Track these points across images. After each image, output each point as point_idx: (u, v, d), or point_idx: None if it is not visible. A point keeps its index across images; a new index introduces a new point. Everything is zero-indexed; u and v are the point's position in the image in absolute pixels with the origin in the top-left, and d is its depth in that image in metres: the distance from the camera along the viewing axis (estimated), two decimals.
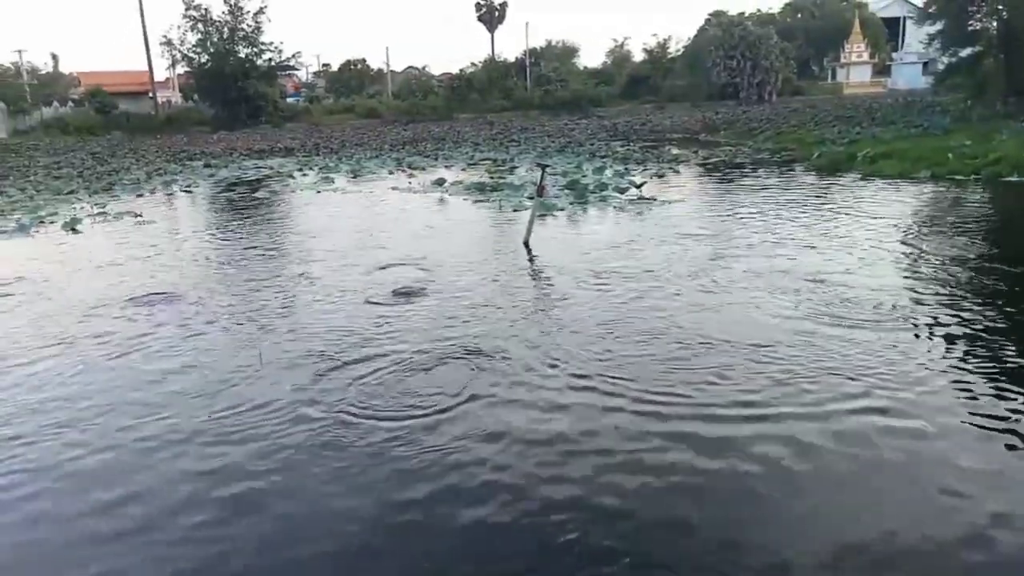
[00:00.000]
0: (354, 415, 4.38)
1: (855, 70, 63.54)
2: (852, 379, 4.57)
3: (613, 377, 4.77)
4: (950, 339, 5.27)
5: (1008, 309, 5.97)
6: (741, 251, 8.44)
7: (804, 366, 4.80)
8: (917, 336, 5.34)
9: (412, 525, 3.33)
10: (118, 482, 3.77)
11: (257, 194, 17.03)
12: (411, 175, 19.21)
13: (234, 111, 52.60)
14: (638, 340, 5.47)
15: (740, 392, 4.47)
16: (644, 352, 5.23)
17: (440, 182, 16.43)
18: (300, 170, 21.88)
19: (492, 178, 17.33)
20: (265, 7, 54.91)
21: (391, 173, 20.24)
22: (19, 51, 72.83)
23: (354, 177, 19.83)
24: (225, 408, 4.58)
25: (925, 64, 55.44)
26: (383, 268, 8.39)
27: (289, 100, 62.93)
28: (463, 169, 20.47)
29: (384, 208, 14.05)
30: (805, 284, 6.78)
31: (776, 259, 7.91)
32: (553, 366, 5.02)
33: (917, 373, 4.64)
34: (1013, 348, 5.07)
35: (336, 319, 6.43)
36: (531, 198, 11.60)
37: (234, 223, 12.88)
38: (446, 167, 21.36)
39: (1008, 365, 4.77)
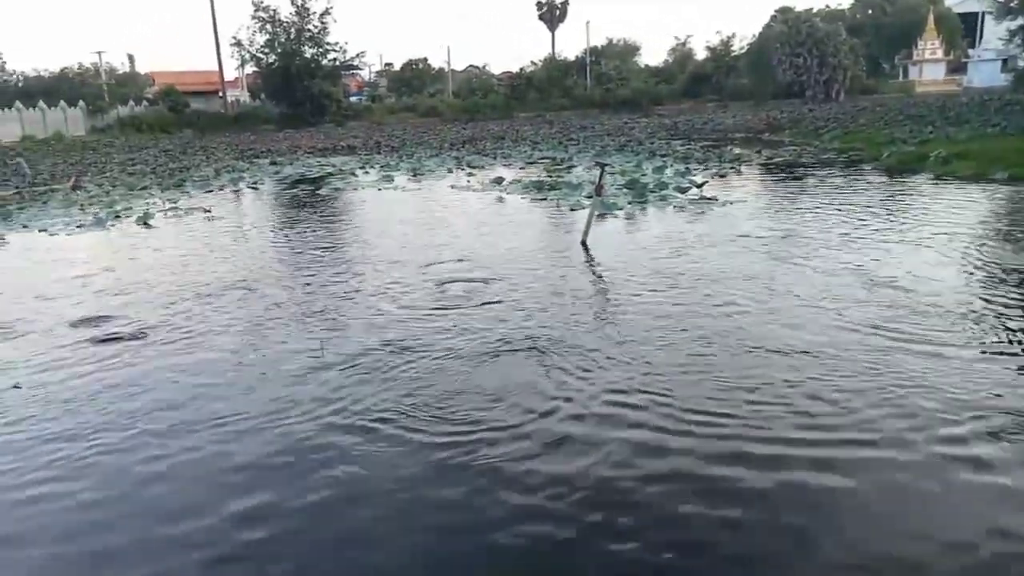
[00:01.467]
0: (407, 415, 4.47)
1: (928, 67, 61.37)
2: (927, 402, 4.33)
3: (660, 390, 4.75)
4: None
5: None
6: (803, 254, 8.26)
7: (870, 381, 4.69)
8: (999, 353, 5.14)
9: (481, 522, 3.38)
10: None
11: (320, 191, 17.41)
12: (470, 174, 19.34)
13: (299, 110, 53.87)
14: (696, 345, 5.41)
15: (807, 412, 4.39)
16: (701, 359, 5.17)
17: (499, 181, 16.52)
18: (362, 168, 22.26)
19: (550, 177, 17.33)
20: (331, 8, 56.39)
21: (450, 171, 20.43)
22: (98, 52, 75.96)
23: (414, 175, 20.08)
24: (284, 399, 4.73)
25: (1004, 61, 53.04)
26: (441, 264, 8.51)
27: (352, 99, 64.13)
28: (521, 168, 20.52)
29: (443, 206, 14.20)
30: (873, 291, 6.61)
31: (841, 263, 7.72)
32: (608, 368, 5.02)
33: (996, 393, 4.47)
34: None
35: (396, 314, 6.55)
36: (589, 197, 11.58)
37: (299, 219, 13.22)
38: (505, 166, 21.44)
39: None
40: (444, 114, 58.83)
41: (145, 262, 9.64)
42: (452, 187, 16.92)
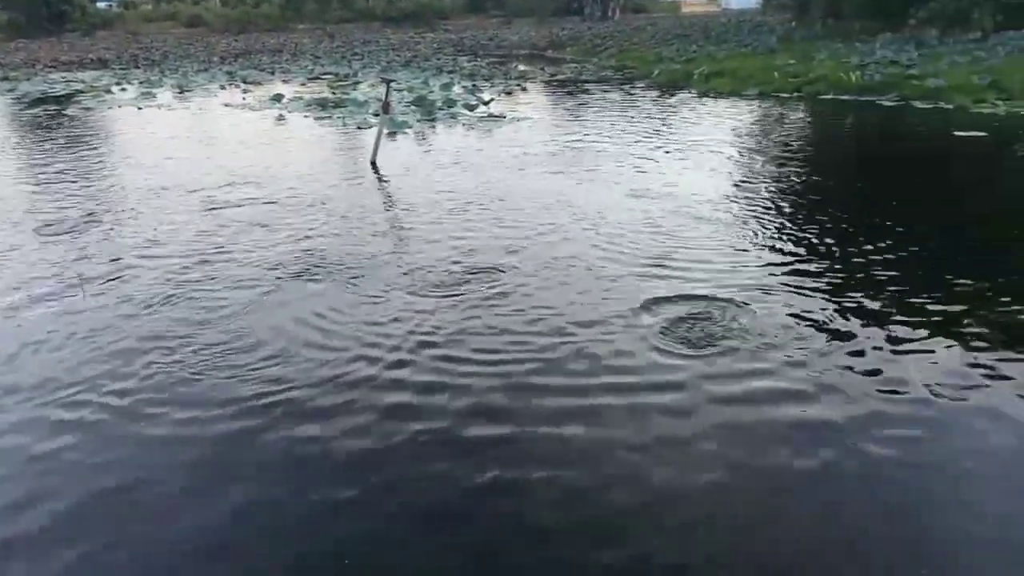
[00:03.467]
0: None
1: None
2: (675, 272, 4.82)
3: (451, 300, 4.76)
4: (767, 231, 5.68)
5: (819, 216, 6.49)
6: (587, 168, 8.60)
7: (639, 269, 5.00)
8: (745, 249, 5.70)
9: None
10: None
11: (68, 112, 15.29)
12: (246, 90, 17.94)
13: (33, 16, 46.49)
14: (485, 263, 5.47)
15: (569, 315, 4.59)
16: (484, 276, 5.24)
17: (278, 98, 15.48)
18: (118, 84, 19.85)
19: (334, 94, 16.56)
20: None
21: (223, 88, 18.83)
22: None
23: (181, 92, 18.25)
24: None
25: None
26: (217, 189, 7.84)
27: (100, 5, 56.40)
28: (303, 84, 19.39)
29: (217, 126, 13.08)
30: (647, 201, 7.03)
31: (619, 176, 8.13)
32: (399, 286, 4.93)
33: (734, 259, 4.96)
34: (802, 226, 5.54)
35: (171, 242, 5.95)
36: (376, 115, 11.19)
37: (43, 145, 11.52)
38: (284, 82, 20.15)
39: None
40: (211, 24, 53.65)
41: None
42: (226, 105, 15.61)
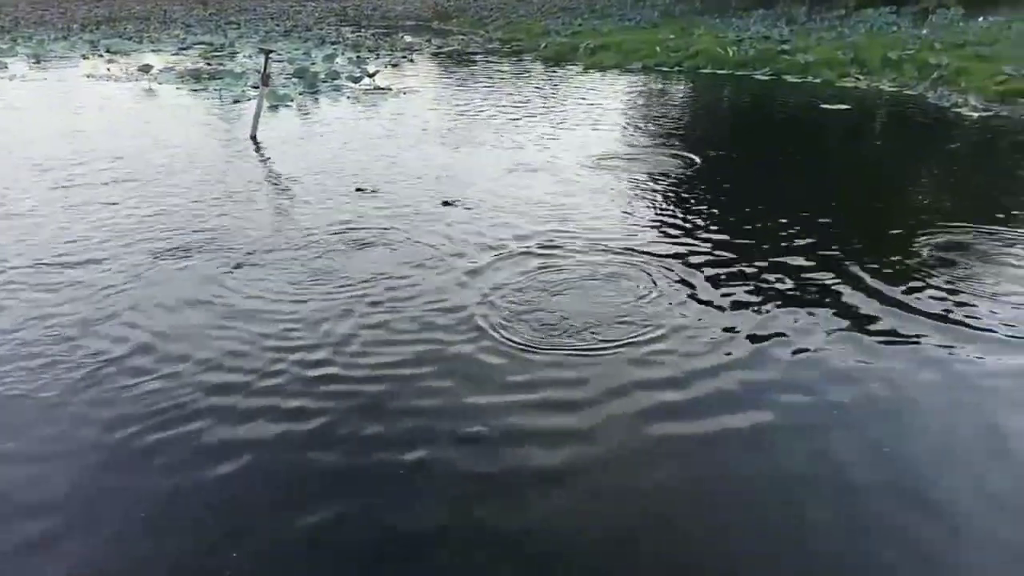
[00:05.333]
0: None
1: None
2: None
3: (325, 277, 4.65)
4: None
5: (700, 185, 6.73)
6: (475, 142, 8.55)
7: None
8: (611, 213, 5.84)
9: None
10: None
11: None
12: (111, 61, 16.74)
13: None
14: (368, 238, 5.35)
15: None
16: (362, 259, 5.14)
17: (146, 69, 14.49)
18: None
19: (209, 65, 15.70)
20: None
21: (85, 58, 17.50)
22: None
23: (37, 62, 16.84)
24: None
25: None
26: (79, 165, 7.29)
27: None
28: (174, 54, 18.28)
29: (80, 98, 12.15)
30: (531, 173, 7.07)
31: (507, 149, 8.13)
32: (279, 264, 4.76)
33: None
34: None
35: (33, 223, 5.49)
36: (256, 87, 10.68)
37: None
38: (153, 52, 18.96)
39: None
40: None
41: None
42: (89, 76, 14.54)
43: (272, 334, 3.84)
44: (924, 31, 16.74)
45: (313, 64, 15.18)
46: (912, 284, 4.39)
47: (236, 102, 11.36)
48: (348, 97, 11.88)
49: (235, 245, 5.13)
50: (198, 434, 3.03)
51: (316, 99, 11.81)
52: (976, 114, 10.21)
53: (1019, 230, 5.34)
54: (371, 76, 13.27)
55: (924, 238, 5.16)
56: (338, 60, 16.21)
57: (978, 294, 4.27)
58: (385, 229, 5.45)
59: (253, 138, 8.67)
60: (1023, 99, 10.31)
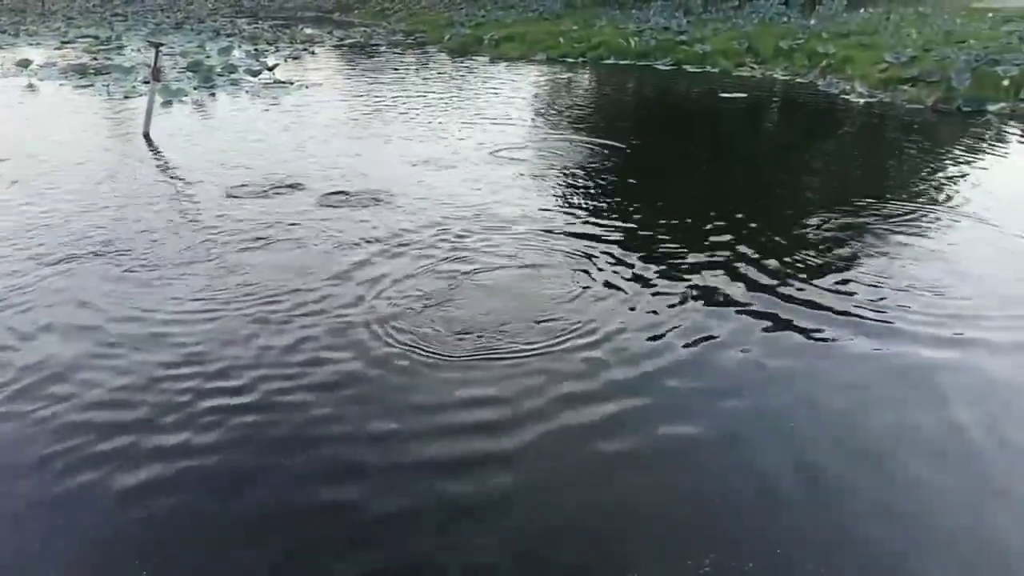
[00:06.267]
0: None
1: None
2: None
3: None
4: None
5: (607, 175, 6.83)
6: (380, 136, 8.41)
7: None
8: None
9: None
10: None
11: None
12: None
13: None
14: (268, 236, 5.18)
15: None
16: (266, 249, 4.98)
17: (25, 64, 13.56)
18: None
19: (95, 59, 14.85)
20: None
21: None
22: None
23: None
24: None
25: None
26: None
27: None
28: (56, 48, 17.20)
29: None
30: (435, 168, 7.01)
31: (413, 143, 8.03)
32: (173, 264, 4.54)
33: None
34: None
35: None
36: (147, 82, 10.16)
37: None
38: (32, 45, 17.79)
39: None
40: None
41: None
42: None
43: (170, 362, 3.44)
44: (812, 21, 17.55)
45: (208, 57, 14.59)
46: (820, 273, 4.58)
47: (127, 98, 10.78)
48: (247, 92, 11.47)
49: (127, 252, 4.83)
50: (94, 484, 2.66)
51: (213, 94, 11.34)
52: (862, 100, 10.79)
53: (907, 204, 5.69)
54: (270, 69, 12.85)
55: (819, 220, 5.41)
56: (235, 53, 15.64)
57: (864, 280, 4.48)
58: (290, 226, 5.28)
59: (146, 135, 8.24)
60: (903, 86, 10.94)
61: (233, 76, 12.66)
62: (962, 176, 6.83)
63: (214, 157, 7.40)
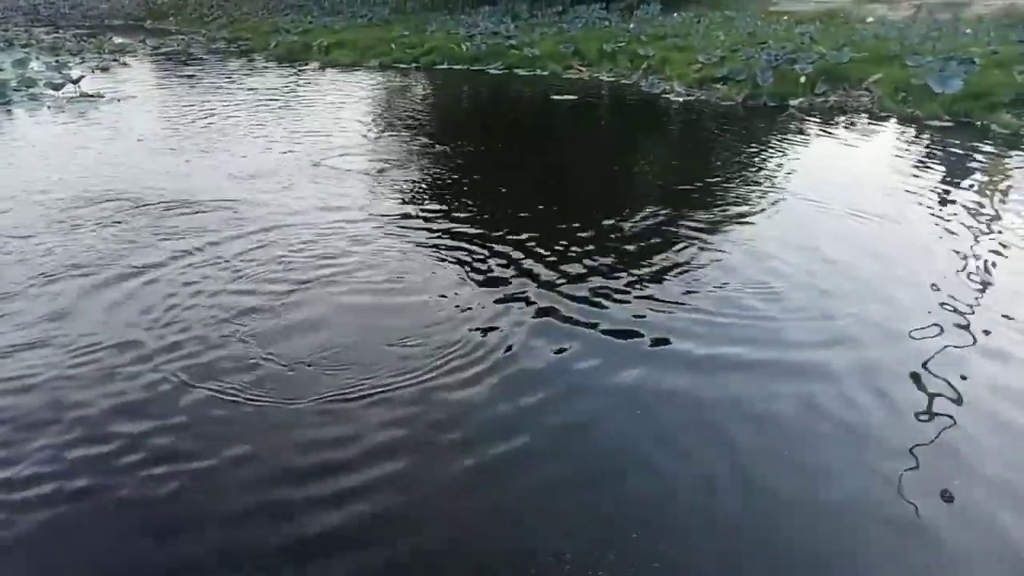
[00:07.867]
0: None
1: None
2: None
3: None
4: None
5: (446, 179, 6.84)
6: (203, 150, 7.93)
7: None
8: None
9: None
10: None
11: None
12: None
13: None
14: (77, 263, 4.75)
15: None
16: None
17: None
18: None
19: None
20: None
21: None
22: None
23: None
24: None
25: None
26: None
27: None
28: None
29: None
30: (262, 181, 6.72)
31: (239, 156, 7.65)
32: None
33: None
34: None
35: None
36: None
37: None
38: None
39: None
40: None
41: None
42: None
43: None
44: (631, 25, 18.45)
45: (1, 71, 13.17)
46: (651, 264, 4.80)
47: None
48: (49, 107, 10.46)
49: None
50: None
51: (8, 111, 10.26)
52: (681, 99, 11.48)
53: (729, 187, 6.14)
54: (75, 82, 11.79)
55: (650, 210, 5.69)
56: (32, 65, 14.20)
57: (694, 267, 4.76)
58: (113, 252, 4.85)
59: None
60: (716, 84, 11.76)
61: (32, 91, 11.52)
62: (778, 163, 7.45)
63: (13, 181, 6.65)
